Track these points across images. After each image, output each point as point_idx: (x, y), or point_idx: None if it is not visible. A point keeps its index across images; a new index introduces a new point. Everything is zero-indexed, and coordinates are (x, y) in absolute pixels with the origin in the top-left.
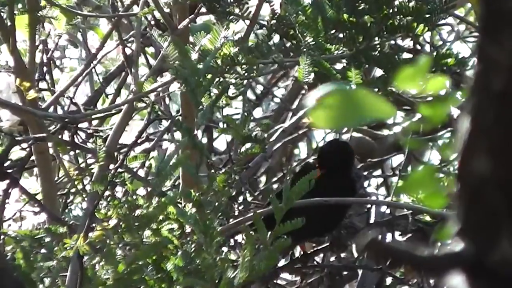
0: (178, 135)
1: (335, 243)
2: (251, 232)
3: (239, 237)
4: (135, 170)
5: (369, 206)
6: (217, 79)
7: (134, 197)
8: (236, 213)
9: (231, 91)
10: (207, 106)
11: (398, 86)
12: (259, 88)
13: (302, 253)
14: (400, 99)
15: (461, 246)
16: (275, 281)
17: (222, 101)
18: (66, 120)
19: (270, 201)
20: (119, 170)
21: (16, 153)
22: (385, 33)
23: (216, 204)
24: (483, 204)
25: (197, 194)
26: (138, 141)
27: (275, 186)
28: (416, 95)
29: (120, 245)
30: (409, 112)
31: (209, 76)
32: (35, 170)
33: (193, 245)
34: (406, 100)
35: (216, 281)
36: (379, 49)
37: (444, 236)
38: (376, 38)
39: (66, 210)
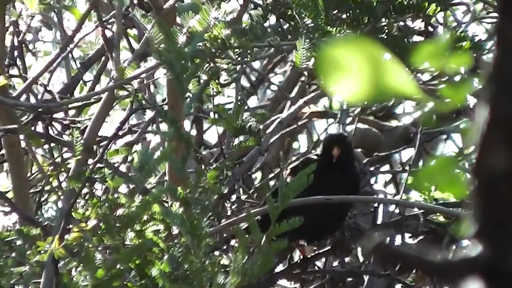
0: (164, 126)
1: (338, 246)
2: (244, 234)
3: (234, 241)
4: (116, 165)
5: (376, 205)
6: (206, 65)
7: (115, 195)
8: (229, 213)
9: (223, 77)
10: (194, 93)
11: (414, 65)
12: (254, 75)
13: (301, 257)
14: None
15: (478, 249)
16: None
17: (212, 89)
18: (40, 109)
19: (266, 200)
20: (99, 165)
21: None
22: (392, 13)
23: (206, 203)
24: (500, 204)
25: (184, 192)
26: (120, 133)
27: (271, 183)
28: (428, 81)
29: (99, 249)
30: (421, 100)
31: (196, 60)
32: (5, 165)
33: (181, 248)
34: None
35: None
36: (386, 31)
37: (459, 237)
38: (383, 19)
39: (40, 210)
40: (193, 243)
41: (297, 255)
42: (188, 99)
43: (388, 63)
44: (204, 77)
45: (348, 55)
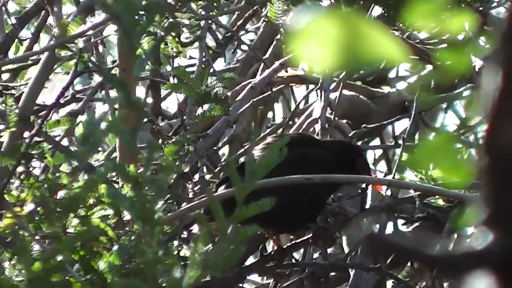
0: (114, 94)
1: (319, 234)
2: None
3: (196, 229)
4: (57, 139)
5: (364, 185)
6: (165, 20)
7: (56, 174)
8: (190, 195)
9: (184, 35)
10: (147, 52)
11: (406, 26)
12: (221, 32)
13: (276, 248)
14: (405, 45)
15: (487, 239)
16: (240, 285)
17: (172, 49)
18: None
19: (228, 176)
20: (36, 139)
21: None
22: None
23: (162, 183)
24: None
25: (135, 169)
26: (62, 101)
27: (241, 160)
28: (427, 40)
29: (36, 237)
30: (418, 63)
31: (152, 14)
32: None
33: (134, 237)
34: (413, 47)
35: (162, 283)
36: None
37: (463, 224)
38: None
39: None
40: (145, 230)
41: (270, 246)
42: (139, 60)
43: (366, 25)
44: (161, 34)
45: (321, 23)
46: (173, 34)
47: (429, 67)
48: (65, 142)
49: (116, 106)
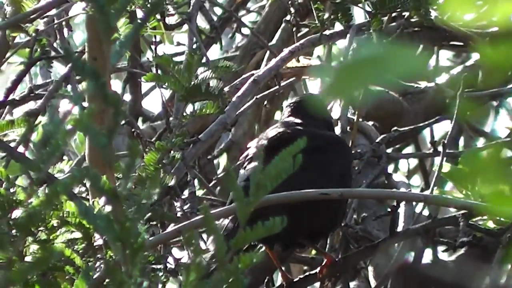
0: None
1: (338, 264)
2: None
3: (185, 255)
4: (11, 145)
5: (395, 203)
6: None
7: (11, 189)
8: (179, 215)
9: (170, 15)
10: (126, 36)
11: (442, 9)
12: (216, 12)
13: (285, 282)
14: (444, 28)
15: None
16: None
17: (154, 30)
18: None
19: (232, 193)
20: None
21: None
22: None
23: (144, 198)
24: None
25: (110, 181)
26: (17, 98)
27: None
28: (471, 24)
29: None
30: (460, 51)
31: None
32: None
33: (107, 265)
34: (455, 31)
35: None
36: None
37: None
38: None
39: None
40: (124, 255)
41: (279, 279)
42: (117, 45)
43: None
44: (141, 14)
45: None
46: (156, 13)
47: (476, 56)
48: (22, 148)
49: (85, 103)
